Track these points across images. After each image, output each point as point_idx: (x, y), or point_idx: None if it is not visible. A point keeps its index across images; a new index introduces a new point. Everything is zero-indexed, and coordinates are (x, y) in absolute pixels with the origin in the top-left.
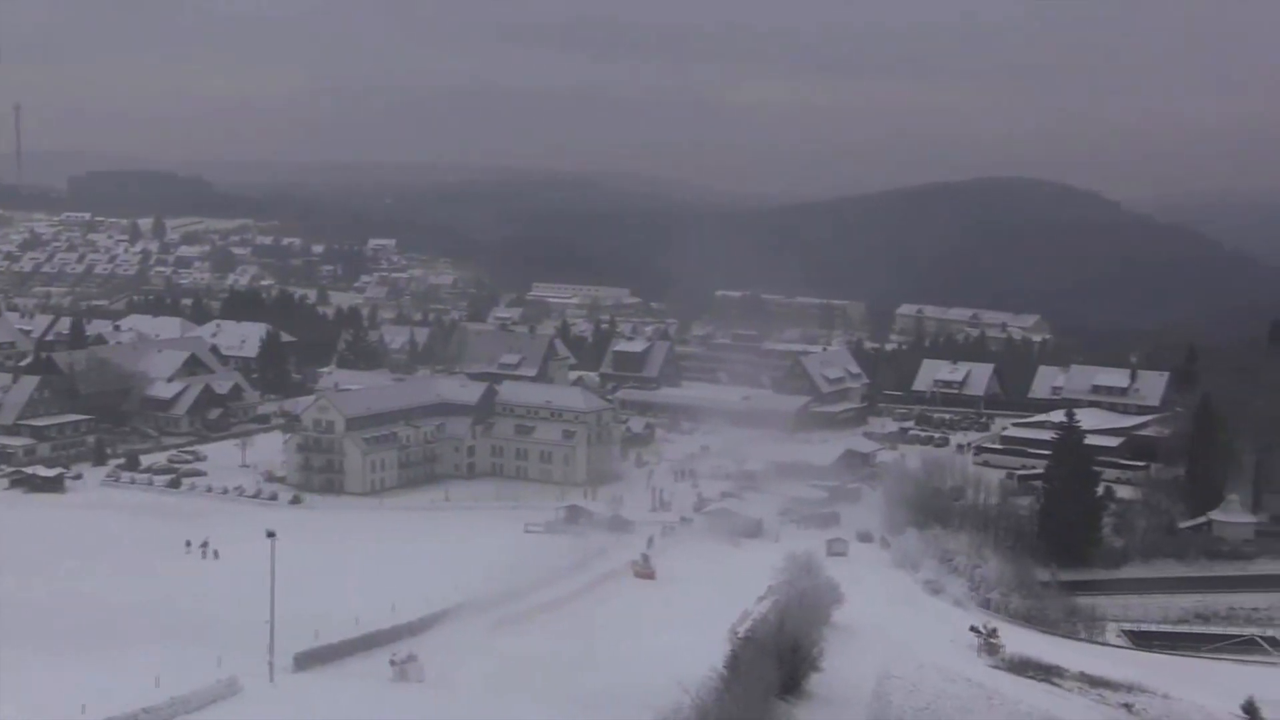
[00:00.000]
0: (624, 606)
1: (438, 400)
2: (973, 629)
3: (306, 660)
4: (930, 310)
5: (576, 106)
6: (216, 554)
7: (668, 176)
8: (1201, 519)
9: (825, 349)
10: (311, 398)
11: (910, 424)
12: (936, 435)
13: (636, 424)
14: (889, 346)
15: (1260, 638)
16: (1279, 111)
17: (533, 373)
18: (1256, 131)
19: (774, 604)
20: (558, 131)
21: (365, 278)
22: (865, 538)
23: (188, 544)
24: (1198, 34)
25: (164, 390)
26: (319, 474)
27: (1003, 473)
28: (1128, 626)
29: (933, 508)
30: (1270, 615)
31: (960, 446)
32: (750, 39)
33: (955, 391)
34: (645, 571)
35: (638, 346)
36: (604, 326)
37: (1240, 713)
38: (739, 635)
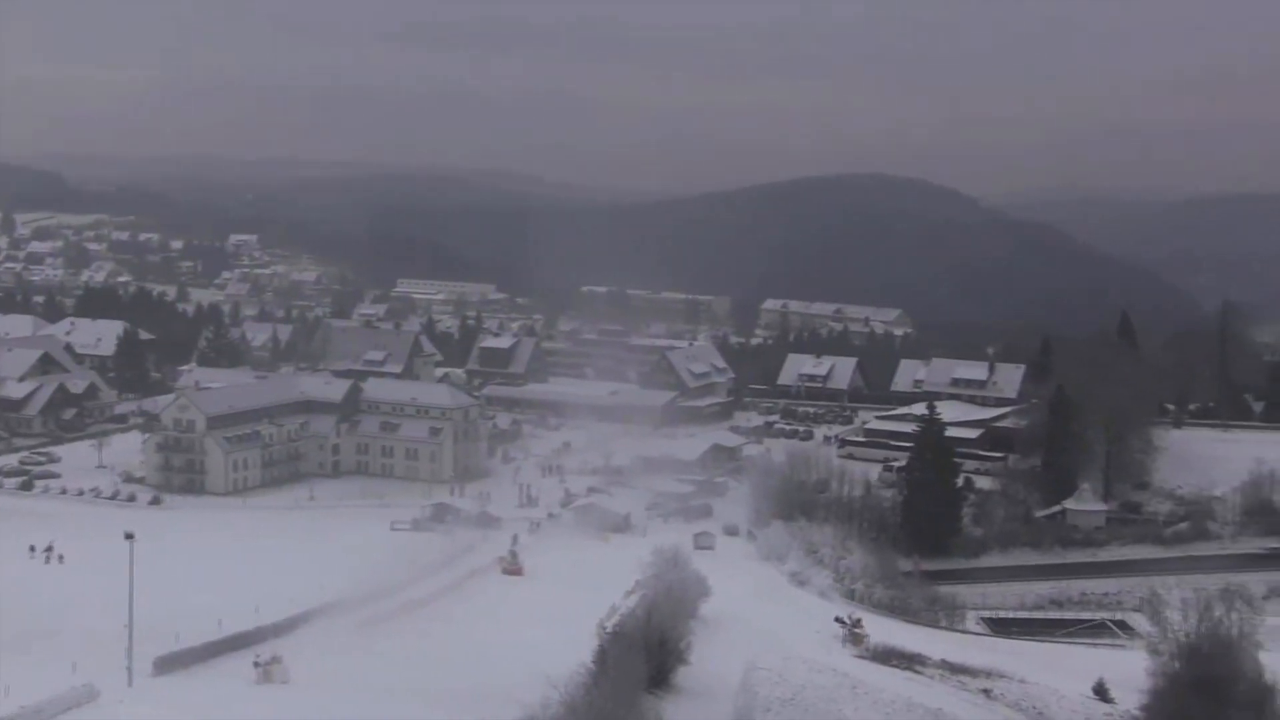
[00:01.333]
0: (492, 603)
1: (302, 398)
2: (838, 620)
3: (167, 664)
4: (794, 305)
5: (444, 104)
6: (61, 558)
7: (535, 173)
8: (1056, 508)
9: (691, 344)
10: (171, 396)
11: (775, 418)
12: (801, 429)
13: (503, 420)
14: (754, 341)
15: (1110, 622)
16: (1125, 111)
17: (398, 369)
18: (1104, 130)
19: (641, 598)
20: (425, 129)
21: (226, 274)
22: (732, 531)
23: (31, 549)
24: (1052, 36)
25: (15, 390)
26: (179, 474)
27: (866, 465)
28: (987, 614)
29: (798, 501)
30: (1120, 599)
31: (828, 439)
32: (617, 37)
33: (820, 385)
34: (513, 568)
35: (504, 342)
36: (470, 323)
37: (1091, 694)
38: (607, 630)
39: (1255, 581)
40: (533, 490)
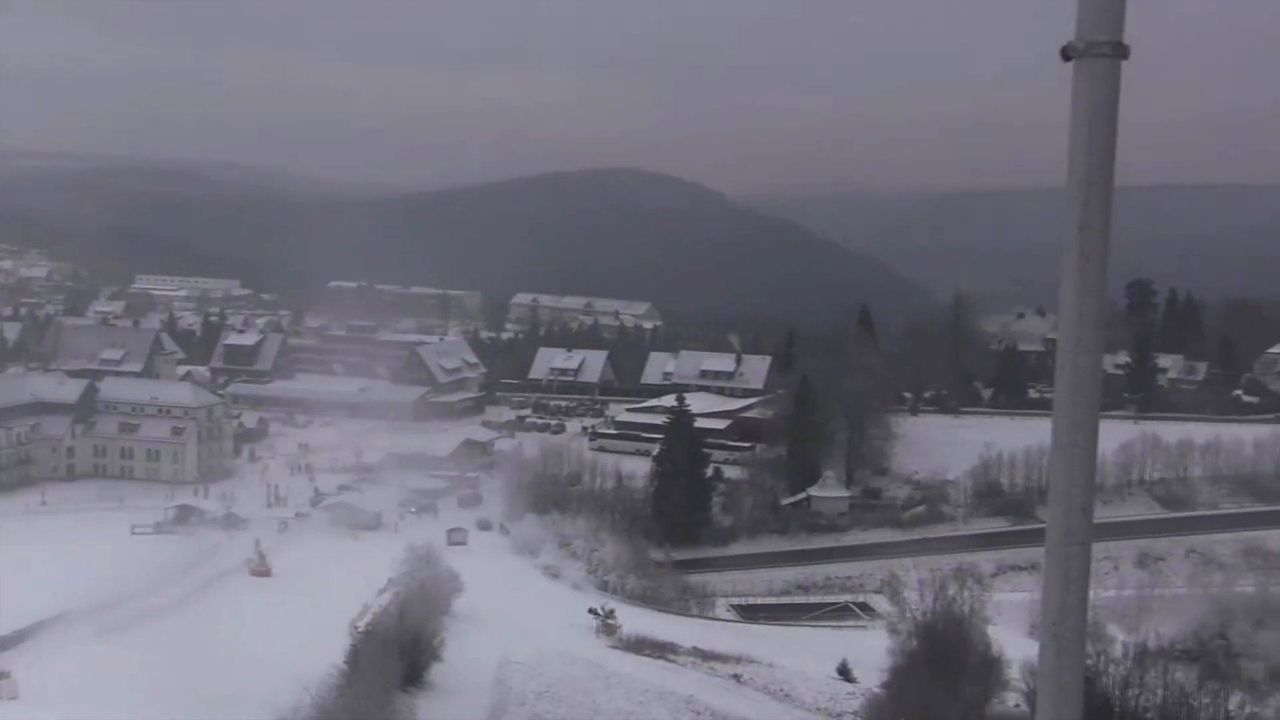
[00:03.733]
0: (239, 606)
1: (32, 399)
2: (591, 611)
3: None
4: (545, 299)
5: (179, 93)
6: None
7: (277, 166)
8: (801, 495)
9: (442, 339)
10: None
11: (527, 412)
12: (553, 422)
13: (250, 419)
14: (505, 336)
15: (853, 604)
16: (861, 111)
17: (138, 368)
18: (843, 129)
19: (394, 596)
20: (159, 120)
21: None
22: (485, 526)
23: None
24: (797, 37)
25: None
26: None
27: (618, 457)
28: (736, 601)
29: (551, 494)
30: (862, 582)
31: (587, 430)
32: (359, 26)
33: (571, 379)
34: (261, 569)
35: (249, 339)
36: (213, 319)
37: (835, 675)
38: (359, 629)
39: (985, 560)
40: (281, 489)
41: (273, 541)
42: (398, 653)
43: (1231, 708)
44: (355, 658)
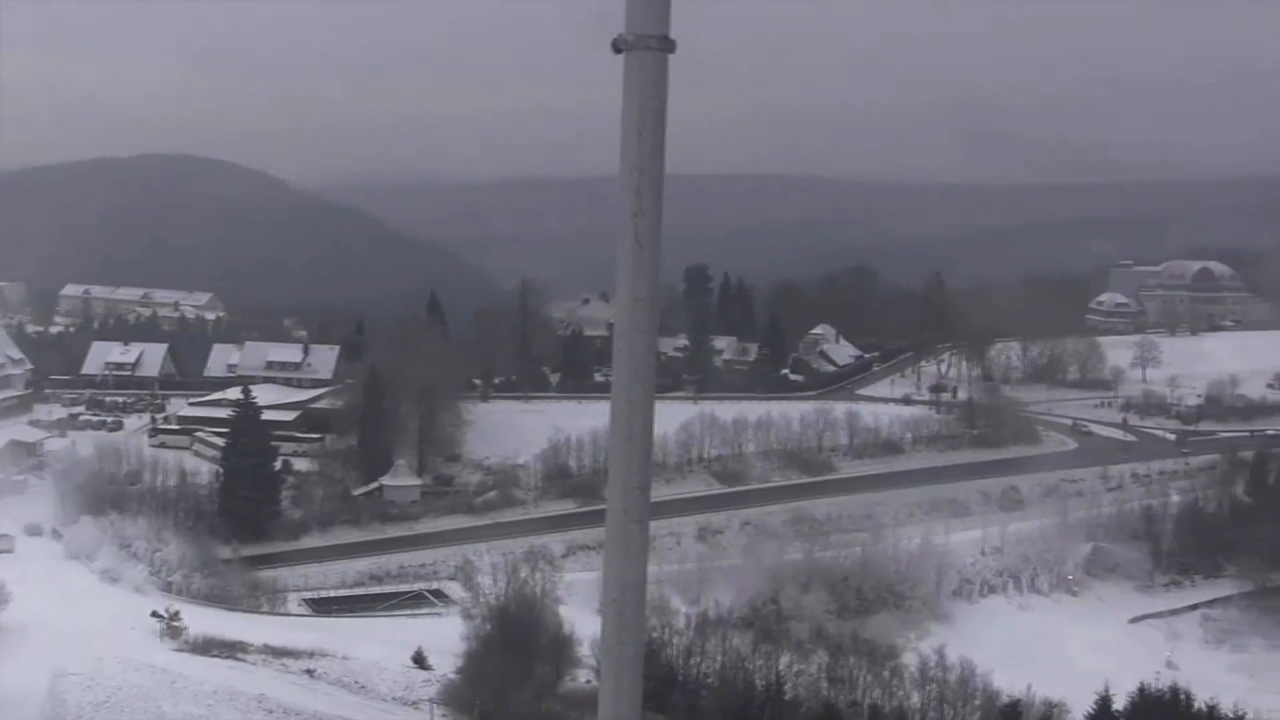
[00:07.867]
0: None
1: None
2: (154, 614)
3: None
4: (98, 290)
5: None
6: None
7: None
8: (373, 485)
9: None
10: None
11: (81, 409)
12: (110, 419)
13: None
14: (55, 329)
15: (427, 592)
16: (423, 100)
17: None
18: (407, 118)
19: None
20: None
21: None
22: (34, 531)
23: None
24: (351, 28)
25: None
26: None
27: (180, 453)
28: (308, 595)
29: (108, 494)
30: (436, 569)
31: (150, 422)
32: None
33: (128, 373)
34: None
35: None
36: None
37: (411, 663)
38: None
39: (556, 541)
40: None
41: None
42: None
43: (781, 667)
44: None
